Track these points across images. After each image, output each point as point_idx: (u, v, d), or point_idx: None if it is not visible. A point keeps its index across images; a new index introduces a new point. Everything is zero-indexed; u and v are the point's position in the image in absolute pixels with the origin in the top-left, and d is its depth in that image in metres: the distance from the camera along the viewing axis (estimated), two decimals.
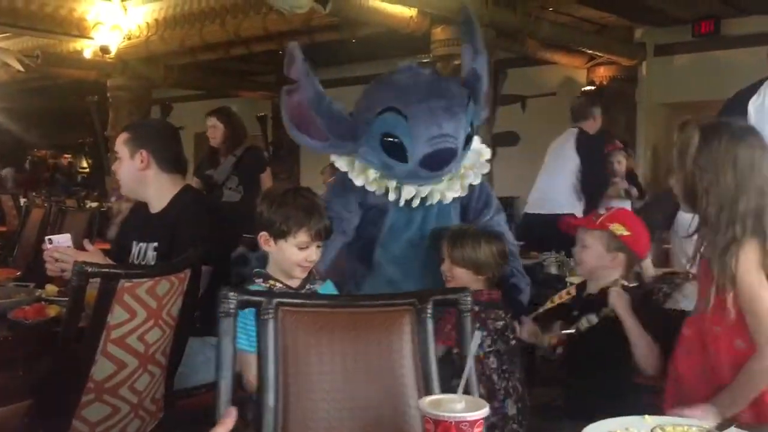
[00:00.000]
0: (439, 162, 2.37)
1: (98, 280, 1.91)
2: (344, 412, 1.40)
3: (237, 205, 4.82)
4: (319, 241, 1.98)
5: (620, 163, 5.21)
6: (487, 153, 2.57)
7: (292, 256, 1.94)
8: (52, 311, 2.20)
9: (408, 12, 5.65)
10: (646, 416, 1.40)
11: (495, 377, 2.22)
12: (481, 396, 2.10)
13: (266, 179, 5.10)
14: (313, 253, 1.96)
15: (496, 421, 2.19)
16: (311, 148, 2.45)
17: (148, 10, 6.94)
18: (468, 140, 2.44)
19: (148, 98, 8.16)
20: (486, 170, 2.57)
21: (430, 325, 1.49)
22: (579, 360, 2.19)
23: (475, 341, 1.24)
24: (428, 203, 2.44)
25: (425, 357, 1.47)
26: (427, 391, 1.44)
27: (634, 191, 5.24)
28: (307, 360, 1.40)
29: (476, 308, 2.25)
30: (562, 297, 2.30)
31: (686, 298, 2.16)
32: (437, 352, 1.99)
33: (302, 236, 1.93)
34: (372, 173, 2.41)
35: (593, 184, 4.82)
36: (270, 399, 1.37)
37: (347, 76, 7.64)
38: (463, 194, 2.51)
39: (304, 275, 1.99)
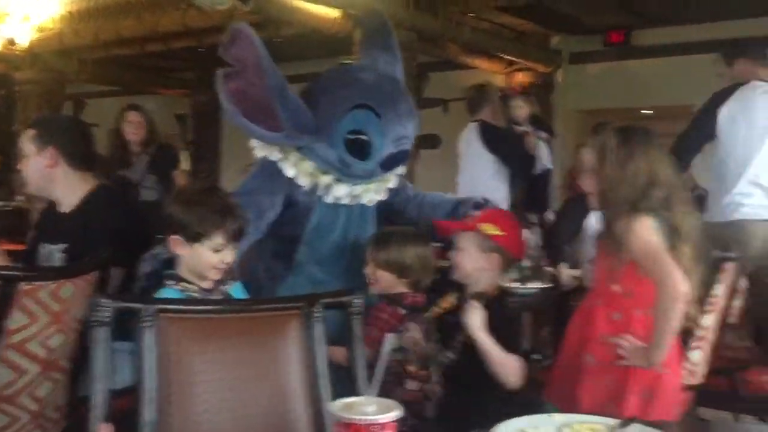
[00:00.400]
0: (396, 162, 2.41)
1: None
2: (231, 422, 1.36)
3: (155, 204, 4.67)
4: (234, 242, 1.92)
5: (521, 108, 5.07)
6: None
7: (208, 258, 1.88)
8: None
9: (332, 13, 5.63)
10: (554, 414, 1.43)
11: (416, 380, 2.21)
12: (400, 399, 2.11)
13: (179, 177, 5.01)
14: (228, 255, 1.91)
15: (414, 424, 2.19)
16: (260, 138, 2.32)
17: (62, 1, 6.67)
18: None
19: (61, 93, 7.84)
20: (402, 172, 2.60)
21: (318, 329, 1.47)
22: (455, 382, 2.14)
23: (387, 344, 1.25)
24: (356, 203, 2.43)
25: (313, 361, 1.45)
26: (315, 396, 1.42)
27: (544, 134, 5.15)
28: (191, 369, 1.35)
29: (401, 311, 2.26)
30: (448, 302, 2.21)
31: None
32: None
33: (218, 238, 1.87)
34: (308, 166, 2.34)
35: (519, 168, 4.80)
36: (149, 413, 1.31)
37: None
38: (384, 198, 2.52)
39: (218, 277, 1.93)
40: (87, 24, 6.54)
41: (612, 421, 1.36)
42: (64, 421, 2.11)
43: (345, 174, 2.36)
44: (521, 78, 7.83)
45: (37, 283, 1.88)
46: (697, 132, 3.37)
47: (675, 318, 1.83)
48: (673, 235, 1.89)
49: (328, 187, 2.37)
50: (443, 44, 6.73)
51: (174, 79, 10.01)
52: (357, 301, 1.48)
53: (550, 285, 3.14)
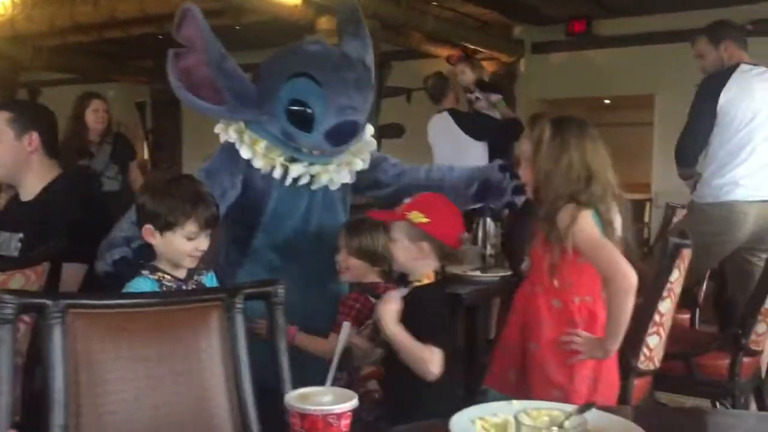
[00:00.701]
0: (343, 135, 2.32)
1: None
2: (150, 421, 1.31)
3: (117, 194, 4.69)
4: (208, 230, 1.94)
5: (464, 73, 4.95)
6: (370, 130, 2.55)
7: (181, 246, 1.90)
8: None
9: (292, 0, 5.57)
10: (513, 401, 1.44)
11: (371, 378, 2.19)
12: (371, 389, 2.09)
13: (134, 167, 5.00)
14: (202, 242, 1.92)
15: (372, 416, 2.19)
16: (205, 113, 2.32)
17: None
18: (365, 125, 2.43)
19: (14, 80, 7.64)
20: (374, 147, 2.54)
21: (240, 321, 1.42)
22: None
23: (343, 333, 1.23)
24: (315, 186, 2.38)
25: (235, 355, 1.40)
26: (238, 391, 1.38)
27: (494, 96, 5.01)
28: (104, 368, 1.30)
29: (374, 301, 2.22)
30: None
31: None
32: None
33: (190, 226, 1.89)
34: (261, 146, 2.31)
35: (507, 140, 4.71)
36: (58, 417, 1.24)
37: None
38: (351, 181, 2.48)
39: (193, 265, 1.95)
40: (41, 10, 6.37)
41: (569, 407, 1.36)
42: (16, 416, 2.05)
43: (293, 149, 2.32)
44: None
45: None
46: (702, 124, 3.33)
47: (629, 308, 1.87)
48: (606, 228, 1.92)
49: (284, 168, 2.33)
50: (406, 33, 6.72)
51: (133, 66, 9.83)
52: (279, 290, 1.43)
53: (510, 272, 3.15)
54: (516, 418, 1.13)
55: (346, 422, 1.11)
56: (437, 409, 1.34)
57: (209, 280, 2.01)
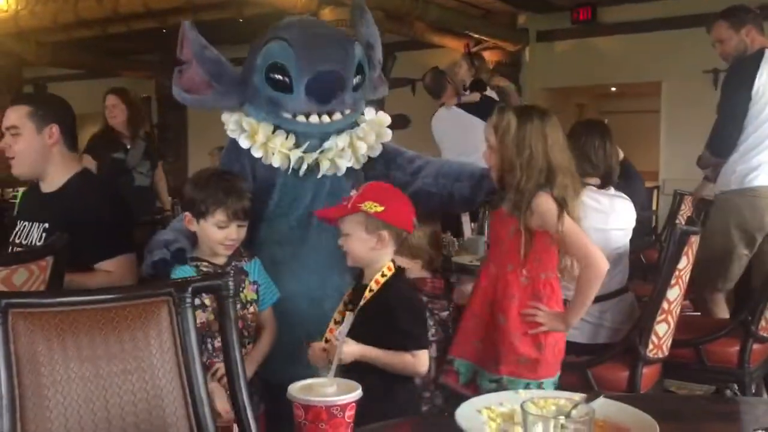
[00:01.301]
0: (325, 88, 2.29)
1: None
2: (100, 422, 1.28)
3: (147, 189, 4.81)
4: (238, 221, 2.08)
5: (460, 66, 4.94)
6: (386, 120, 2.47)
7: (213, 235, 2.07)
8: None
9: None
10: (521, 391, 1.43)
11: (433, 366, 2.18)
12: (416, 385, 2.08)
13: (160, 167, 5.08)
14: (234, 233, 2.08)
15: (429, 408, 2.21)
16: (198, 105, 2.39)
17: None
18: (358, 86, 2.38)
19: (19, 77, 7.66)
20: (387, 138, 2.47)
21: (190, 316, 1.39)
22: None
23: (346, 324, 1.22)
24: (320, 174, 2.36)
25: (187, 350, 1.37)
26: (191, 387, 1.36)
27: (475, 95, 5.04)
28: (50, 369, 1.25)
29: (423, 298, 2.22)
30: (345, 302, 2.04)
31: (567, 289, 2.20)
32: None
33: (220, 216, 2.05)
34: (260, 135, 2.31)
35: None
36: (4, 423, 1.19)
37: (233, 57, 7.41)
38: (357, 166, 2.43)
39: (227, 253, 2.11)
40: (45, 5, 6.38)
41: (577, 396, 1.35)
42: None
43: (288, 122, 2.31)
44: (488, 57, 7.81)
45: None
46: (739, 112, 3.28)
47: (595, 291, 2.04)
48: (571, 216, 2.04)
49: (283, 156, 2.31)
50: (410, 22, 6.68)
51: (137, 61, 9.84)
52: (228, 283, 1.41)
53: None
54: (522, 407, 1.12)
55: (350, 413, 1.10)
56: (405, 403, 1.32)
57: (250, 267, 2.15)
